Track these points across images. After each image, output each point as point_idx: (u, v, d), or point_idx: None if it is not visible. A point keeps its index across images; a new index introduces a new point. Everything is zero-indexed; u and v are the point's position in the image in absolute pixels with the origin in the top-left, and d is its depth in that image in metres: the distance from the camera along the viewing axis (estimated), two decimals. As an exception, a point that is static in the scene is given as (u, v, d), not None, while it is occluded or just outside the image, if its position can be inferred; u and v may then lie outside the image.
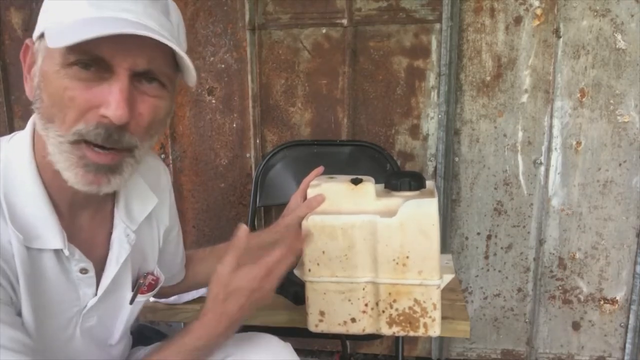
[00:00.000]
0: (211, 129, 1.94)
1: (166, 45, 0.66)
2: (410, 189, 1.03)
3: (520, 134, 1.78)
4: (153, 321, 1.39)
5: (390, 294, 0.99)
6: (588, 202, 1.79)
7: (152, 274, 0.94)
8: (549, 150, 1.77)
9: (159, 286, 0.96)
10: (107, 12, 0.65)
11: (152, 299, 1.15)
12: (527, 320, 1.92)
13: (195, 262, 1.15)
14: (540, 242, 1.84)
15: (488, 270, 1.90)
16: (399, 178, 1.04)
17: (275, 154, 1.75)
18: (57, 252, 0.74)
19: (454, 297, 1.26)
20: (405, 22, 1.76)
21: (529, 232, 1.85)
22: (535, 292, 1.88)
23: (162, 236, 0.97)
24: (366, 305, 1.01)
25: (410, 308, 0.99)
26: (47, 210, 0.73)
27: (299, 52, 1.84)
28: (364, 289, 1.00)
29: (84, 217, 0.80)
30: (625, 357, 1.86)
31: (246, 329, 0.95)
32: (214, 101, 1.92)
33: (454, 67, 1.75)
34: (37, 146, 0.73)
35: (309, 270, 1.01)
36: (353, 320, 1.02)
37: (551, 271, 1.86)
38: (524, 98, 1.76)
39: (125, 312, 0.89)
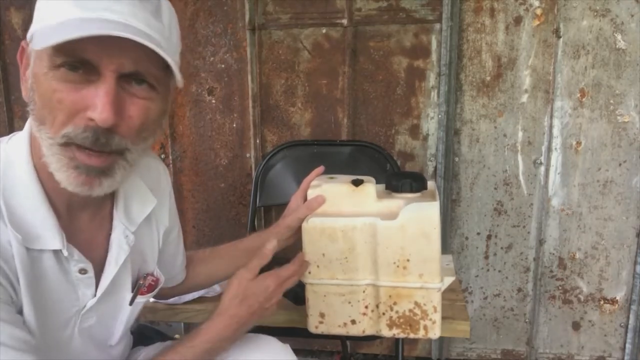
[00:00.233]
0: (211, 129, 1.94)
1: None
2: (411, 191, 1.03)
3: (520, 134, 1.78)
4: (153, 321, 1.39)
5: (390, 296, 0.99)
6: (588, 202, 1.79)
7: (152, 275, 0.94)
8: (549, 150, 1.77)
9: (158, 287, 0.96)
10: (92, 12, 0.64)
11: (152, 300, 1.15)
12: (527, 320, 1.92)
13: (196, 263, 1.15)
14: (540, 242, 1.84)
15: (488, 270, 1.90)
16: (400, 179, 1.04)
17: (275, 154, 1.75)
18: (57, 253, 0.74)
19: (454, 297, 1.26)
20: (405, 22, 1.76)
21: (529, 232, 1.85)
22: (535, 292, 1.88)
23: (161, 237, 0.97)
24: (366, 307, 1.01)
25: (410, 310, 0.99)
26: (45, 210, 0.73)
27: (299, 52, 1.83)
28: (364, 291, 1.00)
29: (83, 218, 0.80)
30: (625, 357, 1.86)
31: (247, 328, 0.95)
32: (214, 101, 1.92)
33: (454, 67, 1.75)
34: (34, 147, 0.73)
35: (309, 272, 1.01)
36: (353, 322, 1.02)
37: (551, 271, 1.86)
38: (524, 98, 1.75)
39: (124, 313, 0.89)
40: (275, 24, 1.83)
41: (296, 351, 0.95)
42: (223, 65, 1.88)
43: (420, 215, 0.95)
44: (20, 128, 0.77)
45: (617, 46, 1.68)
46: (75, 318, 0.80)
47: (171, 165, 1.97)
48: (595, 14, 1.67)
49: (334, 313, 1.02)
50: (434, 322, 0.99)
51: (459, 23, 1.73)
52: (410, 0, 1.74)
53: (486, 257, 1.89)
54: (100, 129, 0.66)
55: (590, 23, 1.68)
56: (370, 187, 1.02)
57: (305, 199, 1.07)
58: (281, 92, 1.87)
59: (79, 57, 0.65)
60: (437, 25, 1.74)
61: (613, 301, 1.85)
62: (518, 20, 1.71)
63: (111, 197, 0.85)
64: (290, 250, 1.04)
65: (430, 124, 1.81)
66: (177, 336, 0.96)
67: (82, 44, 0.63)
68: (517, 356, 1.96)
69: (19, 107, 1.99)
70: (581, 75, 1.72)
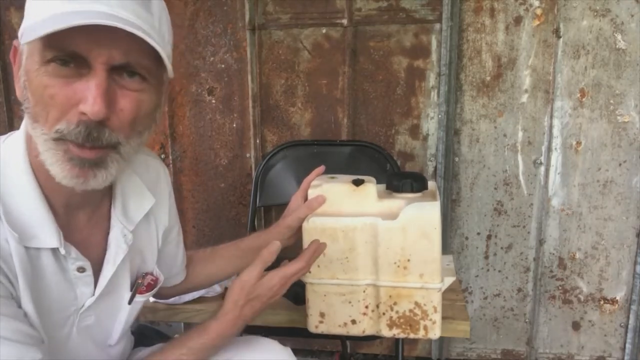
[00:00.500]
0: (211, 129, 1.94)
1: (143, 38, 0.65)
2: (412, 191, 1.03)
3: (520, 134, 1.78)
4: (153, 321, 1.39)
5: (390, 296, 0.99)
6: (588, 202, 1.79)
7: (151, 274, 0.94)
8: (549, 150, 1.77)
9: (158, 286, 0.96)
10: (80, 5, 0.64)
11: (151, 300, 1.15)
12: (527, 320, 1.92)
13: (196, 263, 1.15)
14: (540, 242, 1.84)
15: (488, 270, 1.90)
16: (401, 179, 1.04)
17: (275, 154, 1.75)
18: (54, 251, 0.75)
19: (454, 297, 1.26)
20: (405, 22, 1.76)
21: (529, 232, 1.85)
22: (535, 292, 1.88)
23: (161, 236, 0.97)
24: (366, 307, 1.01)
25: (410, 311, 0.99)
26: (42, 209, 0.73)
27: (299, 52, 1.83)
28: (364, 291, 1.00)
29: (81, 217, 0.80)
30: (625, 357, 1.86)
31: (247, 329, 0.95)
32: (214, 101, 1.92)
33: (454, 67, 1.75)
34: (31, 146, 0.73)
35: (309, 272, 1.01)
36: (353, 322, 1.02)
37: (551, 271, 1.86)
38: (524, 98, 1.75)
39: (123, 312, 0.89)
40: (275, 24, 1.83)
41: (296, 351, 0.95)
42: (223, 65, 1.88)
43: (421, 216, 0.95)
44: (20, 128, 0.77)
45: (617, 46, 1.68)
46: (73, 317, 0.80)
47: (171, 165, 1.97)
48: (595, 14, 1.67)
49: (334, 313, 1.03)
50: (434, 322, 1.00)
51: (459, 23, 1.73)
52: (410, 0, 1.74)
53: (486, 257, 1.89)
54: (92, 122, 0.66)
55: (590, 23, 1.68)
56: (371, 187, 1.02)
57: (305, 199, 1.07)
58: (281, 92, 1.87)
59: (68, 51, 0.64)
60: (437, 25, 1.74)
61: (613, 301, 1.85)
62: (518, 20, 1.71)
63: (109, 196, 0.85)
64: (291, 250, 1.04)
65: (430, 124, 1.81)
66: (176, 336, 0.96)
67: (72, 38, 0.63)
68: (517, 356, 1.96)
69: (19, 107, 1.97)
70: (581, 75, 1.72)
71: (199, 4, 1.85)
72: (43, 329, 0.74)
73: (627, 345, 1.85)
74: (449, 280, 0.99)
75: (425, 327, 1.00)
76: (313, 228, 0.99)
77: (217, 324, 0.86)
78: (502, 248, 1.87)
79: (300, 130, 1.89)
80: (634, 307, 1.81)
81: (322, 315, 1.03)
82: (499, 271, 1.89)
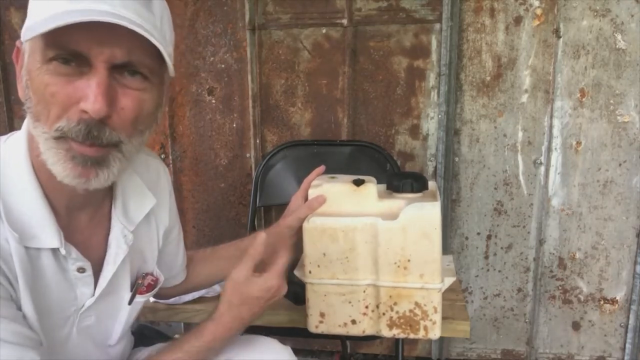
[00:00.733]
0: (211, 129, 1.94)
1: (145, 36, 0.65)
2: (412, 191, 1.03)
3: (520, 134, 1.78)
4: (153, 321, 1.39)
5: (391, 296, 0.99)
6: (588, 202, 1.79)
7: (152, 274, 0.94)
8: (549, 150, 1.77)
9: (158, 287, 0.96)
10: (81, 4, 0.64)
11: (152, 300, 1.15)
12: (527, 320, 1.92)
13: (196, 263, 1.15)
14: (540, 242, 1.84)
15: (488, 270, 1.90)
16: (401, 179, 1.04)
17: (275, 154, 1.75)
18: (54, 251, 0.75)
19: (454, 297, 1.25)
20: (405, 22, 1.76)
21: (529, 232, 1.85)
22: (535, 292, 1.88)
23: (161, 237, 0.97)
24: (366, 307, 1.01)
25: (410, 311, 0.99)
26: (43, 209, 0.73)
27: (299, 52, 1.83)
28: (364, 291, 1.00)
29: (82, 218, 0.80)
30: (625, 357, 1.86)
31: (247, 328, 0.95)
32: (214, 101, 1.92)
33: (454, 67, 1.75)
34: (32, 146, 0.73)
35: (310, 272, 1.01)
36: (353, 322, 1.02)
37: (551, 271, 1.86)
38: (524, 98, 1.75)
39: (124, 312, 0.89)
40: (275, 24, 1.83)
41: (296, 351, 0.95)
42: (223, 65, 1.88)
43: (421, 216, 0.94)
44: (20, 128, 0.77)
45: (617, 46, 1.68)
46: (73, 317, 0.80)
47: (171, 165, 1.97)
48: (595, 14, 1.67)
49: (334, 313, 1.02)
50: (434, 323, 0.99)
51: (459, 23, 1.73)
52: (410, 0, 1.74)
53: (486, 257, 1.89)
54: (93, 121, 0.66)
55: (590, 23, 1.68)
56: (371, 187, 1.02)
57: (306, 199, 1.07)
58: (281, 92, 1.87)
59: (70, 49, 0.64)
60: (437, 25, 1.74)
61: (613, 301, 1.85)
62: (518, 20, 1.71)
63: (110, 196, 0.85)
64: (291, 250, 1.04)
65: (430, 124, 1.81)
66: (176, 336, 0.96)
67: (73, 36, 0.63)
68: (517, 356, 1.96)
69: (19, 107, 1.98)
70: (581, 75, 1.72)
71: (199, 4, 1.85)
72: (43, 329, 0.74)
73: (627, 345, 1.85)
74: (449, 280, 0.99)
75: (425, 328, 1.00)
76: (313, 228, 0.99)
77: (213, 325, 0.86)
78: (502, 248, 1.87)
79: (300, 130, 1.89)
80: (634, 307, 1.81)
81: (322, 315, 1.03)
82: (499, 271, 1.89)
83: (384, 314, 1.01)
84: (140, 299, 0.91)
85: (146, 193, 0.91)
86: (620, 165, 1.75)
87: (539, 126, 1.76)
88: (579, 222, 1.81)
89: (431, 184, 1.09)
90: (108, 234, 0.84)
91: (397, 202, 1.00)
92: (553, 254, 1.85)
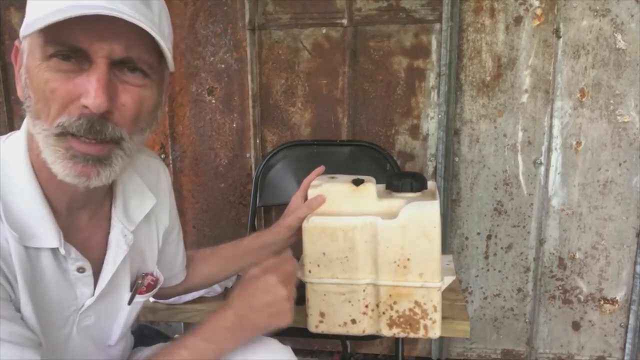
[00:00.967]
0: (211, 129, 1.94)
1: (145, 32, 0.65)
2: (411, 190, 1.03)
3: (520, 134, 1.78)
4: (153, 321, 1.39)
5: (390, 295, 0.99)
6: (588, 202, 1.79)
7: (151, 274, 0.94)
8: (549, 150, 1.77)
9: (158, 287, 0.96)
10: (80, 0, 0.64)
11: (151, 300, 1.15)
12: (527, 320, 1.92)
13: (196, 263, 1.15)
14: (540, 242, 1.84)
15: (488, 270, 1.90)
16: (401, 179, 1.04)
17: (275, 154, 1.75)
18: (54, 251, 0.74)
19: (454, 297, 1.26)
20: (405, 22, 1.76)
21: (529, 232, 1.85)
22: (535, 292, 1.88)
23: (161, 237, 0.97)
24: (366, 306, 1.01)
25: (410, 310, 0.99)
26: (43, 209, 0.73)
27: (299, 52, 1.83)
28: (364, 290, 1.00)
29: (82, 218, 0.80)
30: (625, 357, 1.86)
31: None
32: (214, 101, 1.92)
33: (454, 67, 1.75)
34: (32, 145, 0.73)
35: (310, 271, 1.01)
36: (353, 321, 1.02)
37: (551, 271, 1.86)
38: (524, 98, 1.75)
39: (123, 312, 0.89)
40: (275, 24, 1.83)
41: (296, 351, 0.95)
42: (223, 65, 1.88)
43: (421, 215, 0.95)
44: (20, 128, 0.77)
45: (617, 46, 1.68)
46: (73, 317, 0.80)
47: (171, 165, 1.97)
48: (595, 14, 1.67)
49: (334, 312, 1.02)
50: (434, 322, 1.00)
51: (459, 23, 1.73)
52: (410, 0, 1.74)
53: (486, 257, 1.89)
54: (94, 116, 0.66)
55: (590, 23, 1.68)
56: (370, 187, 1.02)
57: (305, 199, 1.07)
58: (281, 92, 1.87)
59: (69, 46, 0.65)
60: (437, 25, 1.74)
61: (613, 301, 1.85)
62: (518, 20, 1.71)
63: (110, 196, 0.85)
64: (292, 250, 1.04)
65: (430, 124, 1.81)
66: (176, 336, 0.95)
67: (72, 32, 0.63)
68: (517, 356, 1.96)
69: (19, 106, 1.97)
70: (581, 75, 1.72)
71: (199, 4, 1.85)
72: (42, 329, 0.74)
73: (627, 345, 1.85)
74: (449, 279, 0.99)
75: (425, 327, 1.00)
76: (313, 228, 0.99)
77: (215, 314, 0.84)
78: (502, 248, 1.87)
79: (300, 130, 1.89)
80: (634, 307, 1.81)
81: (322, 315, 1.03)
82: (499, 271, 1.89)
83: (383, 313, 1.01)
84: (140, 299, 0.91)
85: (146, 193, 0.91)
86: (620, 165, 1.75)
87: (539, 126, 1.76)
88: (579, 222, 1.81)
89: (430, 184, 1.09)
90: (108, 234, 0.84)
91: (396, 202, 1.00)
92: (553, 254, 1.85)
